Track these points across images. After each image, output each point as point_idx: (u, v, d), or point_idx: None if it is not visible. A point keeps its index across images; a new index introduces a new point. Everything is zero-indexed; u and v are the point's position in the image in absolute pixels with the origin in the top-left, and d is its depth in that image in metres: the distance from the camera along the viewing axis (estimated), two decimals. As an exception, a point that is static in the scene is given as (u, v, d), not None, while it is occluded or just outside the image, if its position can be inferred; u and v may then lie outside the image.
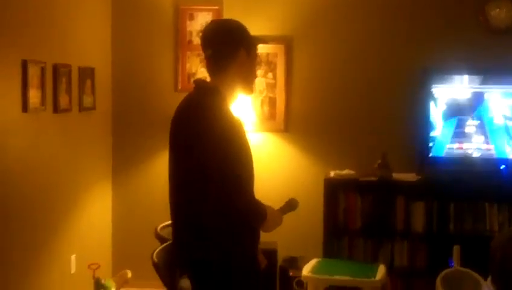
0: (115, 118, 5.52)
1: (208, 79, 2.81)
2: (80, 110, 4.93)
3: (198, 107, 2.66)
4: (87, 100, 5.04)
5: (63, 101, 4.68)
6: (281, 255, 5.07)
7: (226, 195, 2.54)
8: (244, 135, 2.67)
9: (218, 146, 2.53)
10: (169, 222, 4.33)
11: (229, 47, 2.75)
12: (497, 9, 5.03)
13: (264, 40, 2.93)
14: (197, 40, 5.35)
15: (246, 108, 5.05)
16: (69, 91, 4.74)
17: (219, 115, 2.62)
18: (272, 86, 5.34)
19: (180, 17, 5.39)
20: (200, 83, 2.82)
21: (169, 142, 2.77)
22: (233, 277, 2.64)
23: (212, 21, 2.98)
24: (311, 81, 5.34)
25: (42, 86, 4.34)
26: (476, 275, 4.06)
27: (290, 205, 2.88)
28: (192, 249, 2.66)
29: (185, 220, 2.70)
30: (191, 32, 5.39)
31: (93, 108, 5.15)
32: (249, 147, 2.68)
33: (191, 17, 5.39)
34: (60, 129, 4.69)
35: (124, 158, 5.51)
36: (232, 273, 2.64)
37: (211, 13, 5.28)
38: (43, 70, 4.34)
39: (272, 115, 5.35)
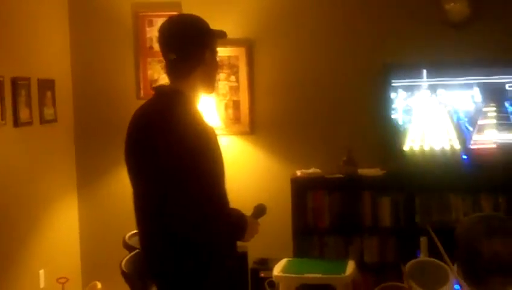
0: (77, 129, 5.47)
1: (166, 82, 2.67)
2: (41, 123, 4.89)
3: (166, 113, 2.49)
4: (48, 112, 5.00)
5: (24, 114, 4.64)
6: (252, 257, 5.07)
7: (205, 211, 2.39)
8: (218, 143, 2.53)
9: (192, 155, 2.38)
10: (137, 231, 4.33)
11: (194, 50, 2.60)
12: (452, 3, 5.09)
13: (224, 33, 2.72)
14: (157, 46, 5.27)
15: (210, 112, 5.05)
16: (29, 104, 4.70)
17: (190, 120, 2.49)
18: (235, 89, 5.35)
19: (139, 24, 5.37)
20: (162, 89, 2.69)
21: (129, 152, 2.61)
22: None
23: (169, 19, 2.70)
24: (274, 82, 5.36)
25: (1, 100, 4.31)
26: (442, 263, 4.12)
27: (260, 211, 2.81)
28: (165, 267, 2.54)
29: (155, 233, 2.53)
30: (151, 39, 5.37)
31: (55, 120, 5.10)
32: (221, 154, 2.54)
33: (150, 24, 5.36)
34: (22, 143, 4.65)
35: (89, 169, 5.46)
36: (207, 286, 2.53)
37: (169, 19, 5.26)
38: (1, 84, 4.31)
39: (236, 118, 5.36)
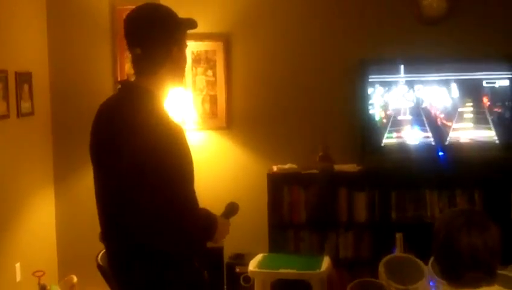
0: (54, 123, 5.44)
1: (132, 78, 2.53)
2: (18, 116, 4.85)
3: (131, 112, 2.38)
4: (25, 106, 4.96)
5: (1, 107, 4.60)
6: (227, 252, 5.08)
7: (173, 216, 2.31)
8: (186, 141, 2.39)
9: (158, 154, 2.27)
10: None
11: (160, 46, 2.45)
12: (429, 0, 5.13)
13: (194, 22, 2.57)
14: (134, 41, 5.31)
15: (187, 106, 5.05)
16: (6, 97, 4.66)
17: (156, 119, 2.36)
18: (212, 84, 5.34)
19: (116, 17, 5.33)
20: (127, 84, 2.58)
21: (93, 149, 2.52)
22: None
23: (135, 10, 2.53)
24: (251, 77, 5.36)
25: (-22, 94, 4.27)
26: (417, 260, 4.16)
27: (232, 209, 2.71)
28: (128, 270, 2.44)
29: (117, 235, 2.46)
30: (128, 32, 5.34)
31: (32, 113, 5.06)
32: (190, 154, 2.40)
33: (127, 17, 5.33)
34: (-1, 136, 4.62)
35: (65, 162, 5.43)
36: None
37: (147, 13, 5.24)
38: (-22, 77, 4.26)
39: (213, 113, 5.35)
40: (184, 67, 2.59)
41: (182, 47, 2.53)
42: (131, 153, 2.31)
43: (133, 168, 2.31)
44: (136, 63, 2.50)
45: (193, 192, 2.42)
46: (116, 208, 2.43)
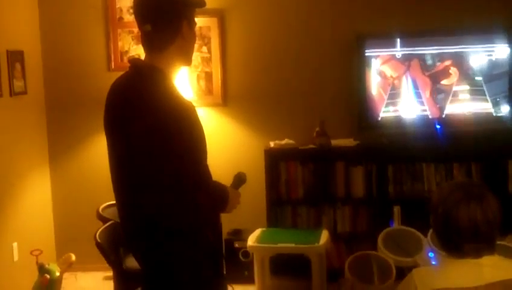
0: (48, 101, 5.41)
1: (143, 56, 2.55)
2: (11, 95, 4.82)
3: (144, 90, 2.42)
4: (18, 85, 4.92)
5: (-7, 86, 4.57)
6: (226, 228, 5.08)
7: (186, 190, 2.36)
8: (198, 118, 2.43)
9: (172, 130, 2.31)
10: (111, 202, 4.33)
11: (170, 21, 2.48)
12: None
13: (203, 1, 2.59)
14: (127, 17, 5.28)
15: (182, 84, 5.02)
16: (-2, 76, 4.64)
17: (169, 96, 2.40)
18: (207, 60, 5.31)
19: (109, -5, 5.31)
20: (137, 63, 2.56)
21: (107, 128, 2.53)
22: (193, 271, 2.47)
23: None
24: (246, 53, 5.33)
25: (-30, 72, 4.23)
26: (416, 232, 4.17)
27: (240, 179, 2.75)
28: (146, 245, 2.48)
29: (136, 212, 2.48)
30: (120, 9, 5.30)
31: (25, 92, 5.03)
32: (203, 130, 2.45)
33: (120, -6, 5.30)
34: (-8, 115, 4.59)
35: (60, 141, 5.41)
36: (193, 267, 2.47)
37: (140, -11, 5.20)
38: (-31, 56, 4.23)
39: (209, 90, 5.32)
40: (193, 44, 2.61)
41: (191, 24, 2.54)
42: (143, 130, 2.35)
43: (145, 144, 2.35)
44: (146, 40, 2.52)
45: (206, 166, 2.46)
46: (129, 183, 2.46)
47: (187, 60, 2.59)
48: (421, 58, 4.99)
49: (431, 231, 3.42)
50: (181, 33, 2.49)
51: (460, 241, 2.18)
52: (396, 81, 5.02)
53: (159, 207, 2.38)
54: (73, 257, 5.03)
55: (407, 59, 4.99)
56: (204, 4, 2.61)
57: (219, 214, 2.60)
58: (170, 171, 2.34)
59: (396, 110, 5.03)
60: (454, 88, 4.98)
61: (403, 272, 3.84)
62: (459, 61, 4.98)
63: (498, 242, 2.28)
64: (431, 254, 3.77)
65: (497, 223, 2.19)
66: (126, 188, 2.49)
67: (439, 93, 5.00)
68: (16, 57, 4.90)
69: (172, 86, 2.49)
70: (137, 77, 2.49)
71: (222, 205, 2.53)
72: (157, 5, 2.48)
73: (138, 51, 5.22)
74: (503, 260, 2.20)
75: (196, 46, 5.27)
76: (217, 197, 2.51)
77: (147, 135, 2.34)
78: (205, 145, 2.47)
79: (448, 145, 4.90)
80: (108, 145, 2.55)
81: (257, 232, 4.68)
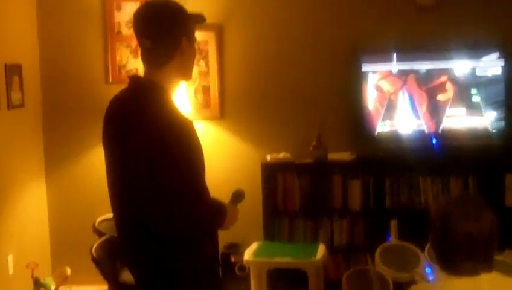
0: (45, 114, 5.41)
1: (143, 70, 2.55)
2: (8, 108, 4.82)
3: (143, 105, 2.41)
4: (16, 97, 4.93)
5: (-9, 99, 4.58)
6: (222, 242, 5.04)
7: (183, 203, 2.34)
8: (196, 134, 2.45)
9: (170, 145, 2.31)
10: (107, 216, 4.33)
11: (170, 37, 2.47)
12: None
13: (203, 17, 2.59)
14: (125, 31, 5.29)
15: (180, 97, 5.02)
16: (-4, 89, 4.64)
17: (167, 111, 2.41)
18: (204, 74, 5.32)
19: (107, 8, 5.30)
20: (137, 79, 2.56)
21: (106, 142, 2.53)
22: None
23: (144, 4, 2.57)
24: (243, 67, 5.34)
25: (-32, 85, 4.23)
26: (413, 247, 4.16)
27: (238, 196, 2.73)
28: (144, 259, 2.47)
29: (133, 227, 2.46)
30: (119, 23, 5.32)
31: (22, 105, 5.03)
32: (201, 146, 2.47)
33: (119, 8, 5.30)
34: (-11, 128, 4.59)
35: (57, 154, 5.41)
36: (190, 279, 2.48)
37: (138, 3, 5.16)
38: (-33, 68, 4.23)
39: (206, 103, 5.33)
40: (193, 60, 2.61)
41: (191, 40, 2.54)
42: (142, 144, 2.34)
43: (143, 159, 2.34)
44: (146, 56, 2.52)
45: (203, 182, 2.48)
46: (127, 197, 2.44)
47: (187, 75, 2.59)
48: (418, 73, 5.01)
49: (428, 245, 3.41)
50: (181, 49, 2.50)
51: (457, 258, 2.17)
52: (393, 96, 5.03)
53: (157, 221, 2.36)
54: (69, 271, 5.04)
55: (403, 74, 5.01)
56: (204, 20, 2.61)
57: (217, 229, 2.58)
58: (168, 185, 2.33)
59: (393, 125, 5.04)
60: (450, 103, 4.99)
61: (401, 287, 3.83)
62: (455, 76, 4.99)
63: (496, 257, 2.27)
64: (428, 270, 3.76)
65: (494, 239, 2.18)
66: (124, 202, 2.49)
67: (435, 108, 5.02)
68: (14, 70, 4.91)
69: (171, 101, 2.49)
70: (136, 92, 2.49)
71: (220, 219, 2.52)
72: (157, 21, 2.49)
73: (136, 65, 5.24)
74: (502, 276, 2.18)
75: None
76: (214, 211, 2.50)
77: (145, 149, 2.33)
78: (203, 162, 2.49)
79: (445, 159, 4.92)
80: (106, 159, 2.54)
81: (254, 246, 4.67)
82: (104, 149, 2.55)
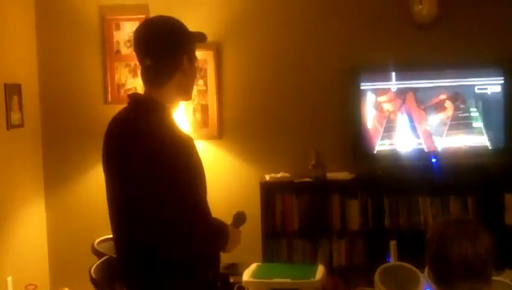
0: (44, 134, 5.41)
1: (142, 89, 2.55)
2: (7, 128, 4.82)
3: (143, 124, 2.40)
4: (15, 117, 4.93)
5: (-10, 120, 4.58)
6: (221, 262, 5.04)
7: (184, 222, 2.31)
8: (197, 152, 2.42)
9: (172, 164, 2.30)
10: (106, 236, 4.30)
11: (170, 56, 2.47)
12: (420, 6, 5.13)
13: (204, 36, 2.60)
14: (124, 50, 5.30)
15: (178, 116, 5.02)
16: (-5, 109, 4.64)
17: (168, 130, 2.39)
18: (203, 93, 5.32)
19: (106, 28, 5.32)
20: (137, 98, 2.54)
21: (106, 161, 2.51)
22: None
23: (146, 22, 2.60)
24: (242, 86, 5.35)
25: (-33, 106, 4.23)
26: (413, 267, 4.13)
27: (240, 218, 2.70)
28: (145, 281, 2.42)
29: (133, 247, 2.44)
30: (118, 42, 5.33)
31: (22, 125, 5.03)
32: (201, 164, 2.44)
33: (117, 27, 5.32)
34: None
35: (56, 174, 5.40)
36: None
37: (137, 22, 5.21)
38: (-34, 89, 4.23)
39: (204, 122, 5.33)
40: (193, 79, 2.60)
41: (191, 59, 2.54)
42: (141, 165, 2.33)
43: (143, 178, 2.32)
44: (146, 74, 2.51)
45: (205, 202, 2.44)
46: (127, 217, 2.43)
47: (187, 95, 2.58)
48: (416, 91, 5.01)
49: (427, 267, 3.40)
50: (181, 68, 2.49)
51: (453, 280, 2.17)
52: (392, 115, 5.03)
53: (158, 242, 2.34)
54: (68, 292, 5.01)
55: (402, 92, 5.02)
56: (205, 39, 2.60)
57: (218, 252, 2.56)
58: (169, 205, 2.31)
59: (392, 144, 5.04)
60: (450, 121, 4.99)
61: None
62: (454, 95, 5.00)
63: (495, 278, 2.27)
64: (428, 290, 3.74)
65: (490, 260, 2.19)
66: (123, 222, 2.47)
67: (434, 127, 5.01)
68: (13, 90, 4.91)
69: (171, 120, 2.48)
70: (136, 110, 2.48)
71: (221, 242, 2.49)
72: (157, 39, 2.48)
73: (135, 84, 5.24)
74: (501, 297, 2.19)
75: (193, 79, 5.32)
76: (216, 233, 2.47)
77: (146, 169, 2.32)
78: (205, 181, 2.47)
79: (444, 178, 4.91)
80: (106, 178, 2.53)
81: (252, 267, 4.65)
82: (104, 168, 2.53)
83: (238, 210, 2.74)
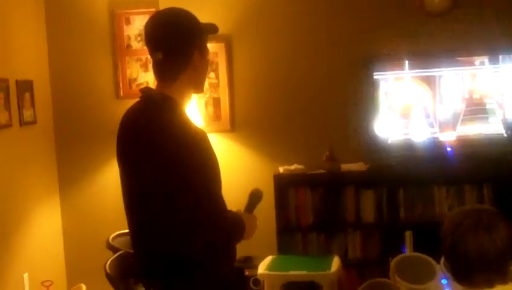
0: (57, 130, 5.41)
1: (154, 84, 2.54)
2: (20, 125, 4.83)
3: (157, 119, 2.40)
4: (28, 114, 4.94)
5: (3, 116, 4.58)
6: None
7: (201, 220, 2.31)
8: (210, 145, 2.42)
9: (186, 163, 2.29)
10: (121, 231, 4.31)
11: (182, 49, 2.45)
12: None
13: (215, 27, 2.57)
14: (135, 45, 5.29)
15: (190, 110, 5.00)
16: (8, 106, 4.64)
17: (182, 125, 2.38)
18: (215, 86, 5.30)
19: (116, 22, 5.31)
20: (149, 92, 2.53)
21: (120, 158, 2.51)
22: None
23: (156, 15, 2.57)
24: (253, 78, 5.33)
25: (-20, 103, 4.24)
26: (429, 258, 4.12)
27: (255, 198, 2.68)
28: (162, 281, 2.43)
29: (151, 246, 2.43)
30: (128, 37, 5.32)
31: (34, 122, 5.04)
32: (216, 157, 2.43)
33: (128, 22, 5.31)
34: (2, 146, 4.59)
35: (70, 170, 5.41)
36: None
37: (147, 16, 5.16)
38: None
39: (217, 116, 5.32)
40: (205, 72, 2.59)
41: (203, 51, 2.52)
42: (156, 160, 2.33)
43: (158, 175, 2.32)
44: (158, 68, 2.50)
45: (220, 196, 2.43)
46: (144, 215, 2.43)
47: (199, 88, 2.57)
48: (430, 80, 4.97)
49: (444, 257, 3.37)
50: (193, 61, 2.47)
51: (470, 271, 2.16)
52: (405, 104, 4.99)
53: (174, 237, 2.34)
54: (84, 288, 5.01)
55: (416, 81, 4.97)
56: (216, 30, 2.58)
57: (237, 243, 2.55)
58: (184, 203, 2.31)
59: (406, 133, 5.00)
60: (465, 110, 4.95)
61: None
62: (469, 82, 4.95)
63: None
64: (444, 281, 3.72)
65: (508, 250, 2.16)
66: (139, 217, 2.46)
67: (449, 116, 4.97)
68: (25, 87, 4.92)
69: (184, 114, 2.47)
70: (149, 106, 2.47)
71: (238, 234, 2.50)
72: (168, 33, 2.46)
73: (146, 78, 5.23)
74: (518, 288, 2.17)
75: (205, 72, 5.31)
76: (232, 230, 2.47)
77: (160, 165, 2.32)
78: (219, 175, 2.45)
79: (460, 168, 4.85)
80: (120, 175, 2.52)
81: (268, 259, 4.64)
82: (119, 164, 2.53)
83: (253, 189, 2.71)
